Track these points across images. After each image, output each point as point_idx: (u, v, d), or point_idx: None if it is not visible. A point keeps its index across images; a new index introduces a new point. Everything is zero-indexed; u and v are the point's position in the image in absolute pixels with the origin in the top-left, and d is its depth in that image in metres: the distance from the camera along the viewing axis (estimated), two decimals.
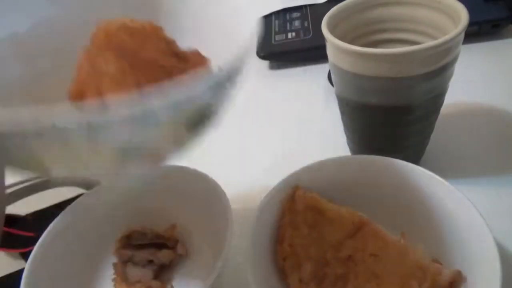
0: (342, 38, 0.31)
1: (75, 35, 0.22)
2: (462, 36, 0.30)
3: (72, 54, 0.22)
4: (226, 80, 0.20)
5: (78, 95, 0.21)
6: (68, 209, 0.36)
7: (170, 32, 0.24)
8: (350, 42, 0.30)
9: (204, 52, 0.24)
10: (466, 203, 0.27)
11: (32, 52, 0.25)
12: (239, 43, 0.21)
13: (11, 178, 0.70)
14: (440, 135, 0.42)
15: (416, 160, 0.38)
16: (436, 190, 0.29)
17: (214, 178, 0.35)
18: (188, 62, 0.23)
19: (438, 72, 0.30)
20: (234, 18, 0.24)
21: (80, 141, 0.16)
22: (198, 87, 0.17)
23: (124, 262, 0.36)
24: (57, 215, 0.35)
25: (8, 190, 0.71)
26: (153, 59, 0.22)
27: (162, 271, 0.36)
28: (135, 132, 0.17)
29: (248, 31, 0.22)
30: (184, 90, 0.17)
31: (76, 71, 0.22)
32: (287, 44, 0.58)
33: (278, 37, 0.60)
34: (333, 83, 0.36)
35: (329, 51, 0.33)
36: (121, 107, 0.15)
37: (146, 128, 0.17)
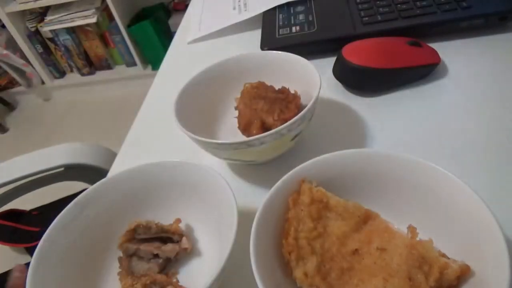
0: None
1: None
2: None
3: None
4: (311, 114, 0.40)
5: (246, 127, 0.42)
6: (73, 204, 0.36)
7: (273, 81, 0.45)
8: None
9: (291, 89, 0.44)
10: (475, 197, 0.27)
11: None
12: (313, 85, 0.41)
13: (14, 173, 0.70)
14: (446, 128, 0.41)
15: None
16: (444, 184, 0.29)
17: (219, 173, 0.35)
18: (285, 93, 0.43)
19: None
20: (304, 70, 0.43)
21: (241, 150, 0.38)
22: (301, 122, 0.38)
23: (129, 256, 0.36)
24: (62, 210, 0.35)
25: (11, 186, 0.72)
26: (271, 96, 0.42)
27: (167, 265, 0.36)
28: (275, 139, 0.37)
29: (315, 78, 0.41)
30: (295, 125, 0.37)
31: (239, 116, 0.43)
32: (291, 38, 0.58)
33: (282, 31, 0.59)
34: None
35: None
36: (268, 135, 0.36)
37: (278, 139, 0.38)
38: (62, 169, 0.70)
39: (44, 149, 0.74)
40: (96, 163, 0.71)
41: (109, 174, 0.48)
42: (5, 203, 0.76)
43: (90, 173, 0.71)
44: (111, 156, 0.73)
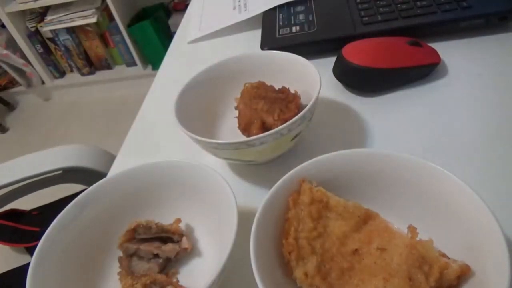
0: None
1: None
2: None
3: None
4: (311, 114, 0.40)
5: (246, 127, 0.42)
6: (73, 204, 0.36)
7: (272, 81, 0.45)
8: None
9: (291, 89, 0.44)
10: (475, 197, 0.27)
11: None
12: (313, 85, 0.41)
13: (9, 176, 0.70)
14: (446, 128, 0.41)
15: None
16: (444, 184, 0.29)
17: (219, 173, 0.35)
18: (285, 93, 0.43)
19: None
20: (304, 70, 0.43)
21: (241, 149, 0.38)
22: (301, 122, 0.38)
23: (129, 256, 0.36)
24: (62, 210, 0.35)
25: (11, 187, 0.71)
26: (271, 96, 0.42)
27: (167, 265, 0.36)
28: (275, 139, 0.37)
29: (315, 78, 0.41)
30: (296, 124, 0.37)
31: (239, 116, 0.43)
32: (291, 38, 0.58)
33: (282, 31, 0.59)
34: None
35: None
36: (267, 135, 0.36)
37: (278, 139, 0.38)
38: (60, 172, 0.70)
39: (42, 151, 0.74)
40: (94, 166, 0.71)
41: (109, 175, 0.48)
42: (1, 207, 0.76)
43: (88, 176, 0.71)
44: (109, 158, 0.73)
